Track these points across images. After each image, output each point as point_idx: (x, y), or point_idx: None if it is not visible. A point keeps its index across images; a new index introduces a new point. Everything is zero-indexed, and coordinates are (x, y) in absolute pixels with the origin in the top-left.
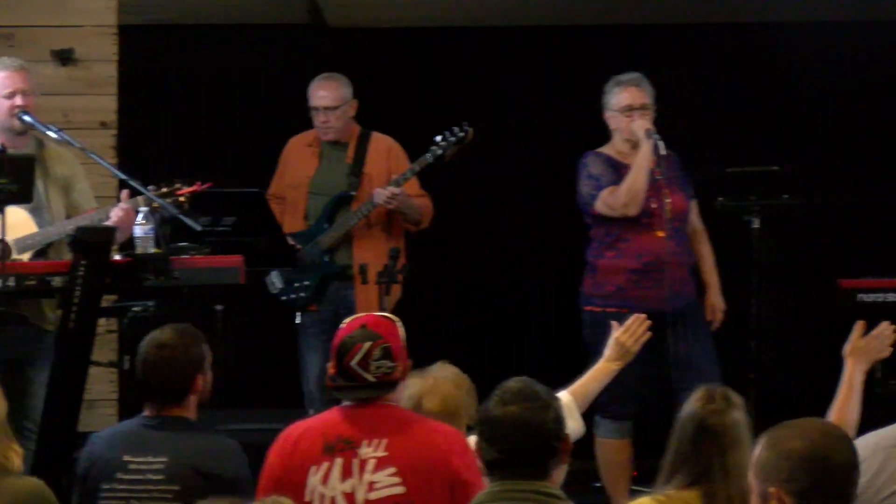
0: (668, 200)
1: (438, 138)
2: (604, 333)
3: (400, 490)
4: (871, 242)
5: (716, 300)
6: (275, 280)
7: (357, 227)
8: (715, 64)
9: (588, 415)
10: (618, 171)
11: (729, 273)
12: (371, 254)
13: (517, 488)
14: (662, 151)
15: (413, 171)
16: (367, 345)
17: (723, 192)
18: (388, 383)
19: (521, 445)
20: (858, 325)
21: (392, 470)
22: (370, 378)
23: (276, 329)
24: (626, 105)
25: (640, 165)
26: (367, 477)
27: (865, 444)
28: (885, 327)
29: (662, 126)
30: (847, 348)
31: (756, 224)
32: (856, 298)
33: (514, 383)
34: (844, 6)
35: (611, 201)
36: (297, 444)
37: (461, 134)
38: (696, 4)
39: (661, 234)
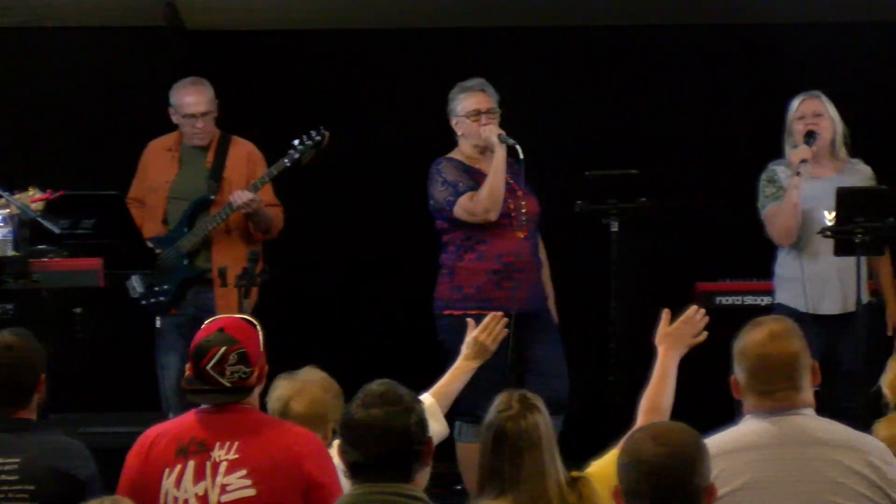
0: (524, 203)
1: (296, 142)
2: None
3: (251, 493)
4: (729, 246)
5: (553, 306)
6: (135, 284)
7: (216, 231)
8: (574, 68)
9: (449, 417)
10: (472, 175)
11: (588, 276)
12: (230, 257)
13: (380, 491)
14: (521, 155)
15: (270, 175)
16: (223, 349)
17: (582, 196)
18: (243, 388)
19: (384, 448)
20: (665, 313)
21: (243, 472)
22: (225, 383)
23: (135, 332)
24: (474, 109)
25: (498, 170)
26: (220, 479)
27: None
28: (693, 311)
29: (518, 130)
30: (657, 336)
31: (615, 227)
32: (713, 301)
33: (376, 386)
34: (695, 9)
35: (471, 207)
36: (153, 447)
37: (318, 138)
38: (540, 7)
39: (521, 234)
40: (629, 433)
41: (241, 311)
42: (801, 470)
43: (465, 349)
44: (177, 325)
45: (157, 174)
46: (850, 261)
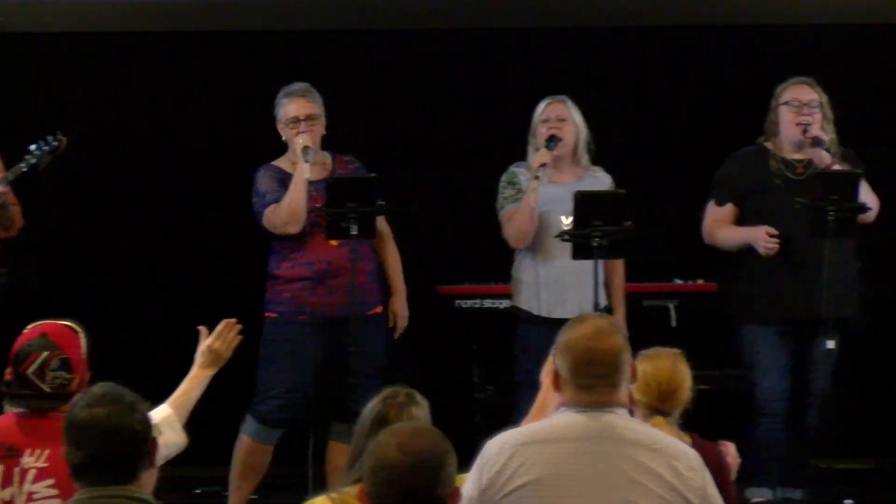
0: None
1: (32, 147)
2: (278, 338)
3: (56, 503)
4: (468, 249)
5: (397, 307)
6: None
7: None
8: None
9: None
10: (287, 185)
11: None
12: None
13: (107, 494)
14: (328, 166)
15: (6, 180)
16: (44, 354)
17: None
18: (63, 395)
19: (108, 448)
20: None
21: (51, 482)
22: (45, 388)
23: None
24: (293, 116)
25: (297, 184)
26: (27, 487)
27: (494, 443)
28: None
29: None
30: (542, 372)
31: (354, 231)
32: (453, 304)
33: (99, 388)
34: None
35: (272, 220)
36: None
37: (55, 143)
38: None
39: (334, 242)
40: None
41: None
42: (603, 466)
43: (198, 357)
44: None
45: None
46: (587, 265)
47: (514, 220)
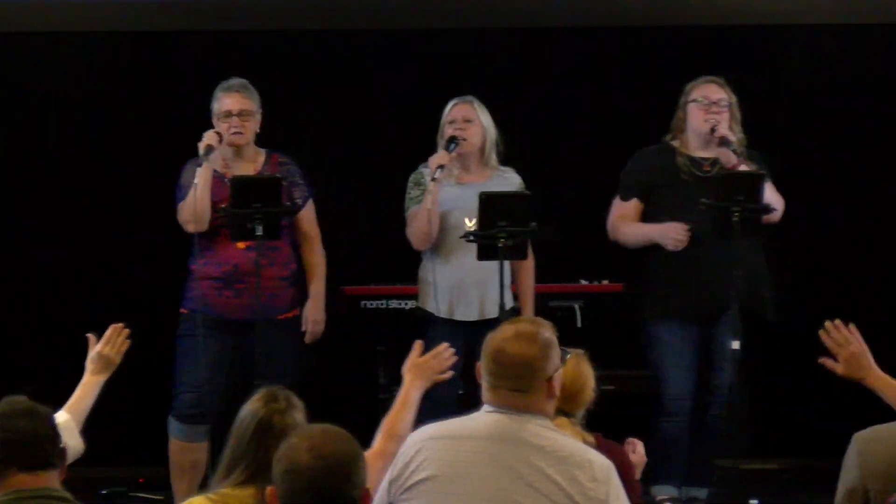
0: None
1: None
2: (189, 334)
3: None
4: (376, 249)
5: (311, 311)
6: None
7: None
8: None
9: None
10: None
11: None
12: None
13: (30, 494)
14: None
15: None
16: None
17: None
18: None
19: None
20: (417, 344)
21: None
22: None
23: None
24: (227, 111)
25: (198, 185)
26: None
27: (413, 436)
28: (443, 348)
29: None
30: (406, 365)
31: (259, 232)
32: (359, 305)
33: (7, 403)
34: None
35: (180, 217)
36: None
37: None
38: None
39: (241, 245)
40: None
41: None
42: (498, 467)
43: (89, 364)
44: None
45: None
46: (490, 266)
47: (415, 222)
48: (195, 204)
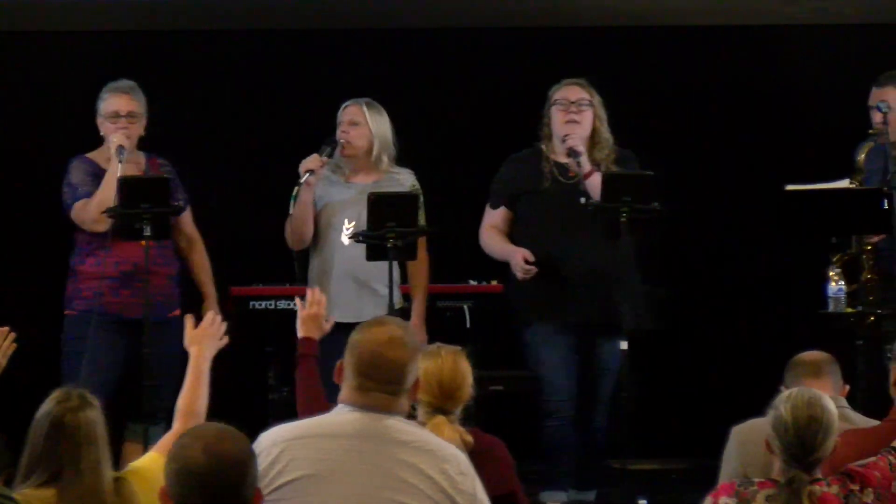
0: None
1: None
2: (78, 336)
3: None
4: (265, 250)
5: (214, 310)
6: None
7: None
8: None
9: None
10: (100, 179)
11: None
12: None
13: None
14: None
15: None
16: None
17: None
18: None
19: None
20: (188, 318)
21: None
22: None
23: None
24: (114, 111)
25: (107, 183)
26: None
27: (268, 436)
28: (212, 316)
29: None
30: (186, 340)
31: (148, 232)
32: (247, 305)
33: None
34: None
35: (82, 215)
36: None
37: None
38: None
39: (142, 242)
40: (178, 437)
41: None
42: (372, 465)
43: None
44: None
45: None
46: (377, 267)
47: (290, 222)
48: (105, 202)
